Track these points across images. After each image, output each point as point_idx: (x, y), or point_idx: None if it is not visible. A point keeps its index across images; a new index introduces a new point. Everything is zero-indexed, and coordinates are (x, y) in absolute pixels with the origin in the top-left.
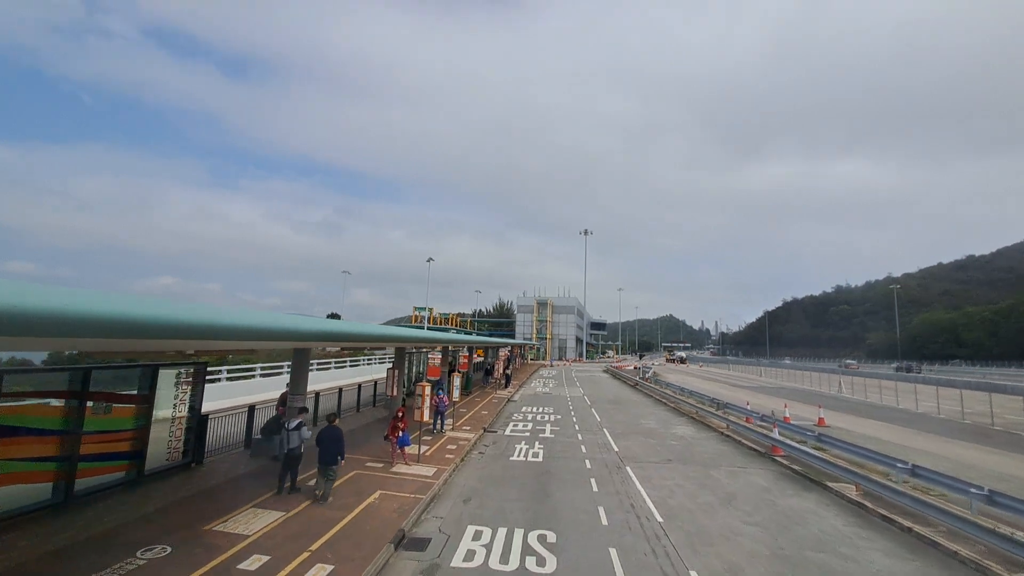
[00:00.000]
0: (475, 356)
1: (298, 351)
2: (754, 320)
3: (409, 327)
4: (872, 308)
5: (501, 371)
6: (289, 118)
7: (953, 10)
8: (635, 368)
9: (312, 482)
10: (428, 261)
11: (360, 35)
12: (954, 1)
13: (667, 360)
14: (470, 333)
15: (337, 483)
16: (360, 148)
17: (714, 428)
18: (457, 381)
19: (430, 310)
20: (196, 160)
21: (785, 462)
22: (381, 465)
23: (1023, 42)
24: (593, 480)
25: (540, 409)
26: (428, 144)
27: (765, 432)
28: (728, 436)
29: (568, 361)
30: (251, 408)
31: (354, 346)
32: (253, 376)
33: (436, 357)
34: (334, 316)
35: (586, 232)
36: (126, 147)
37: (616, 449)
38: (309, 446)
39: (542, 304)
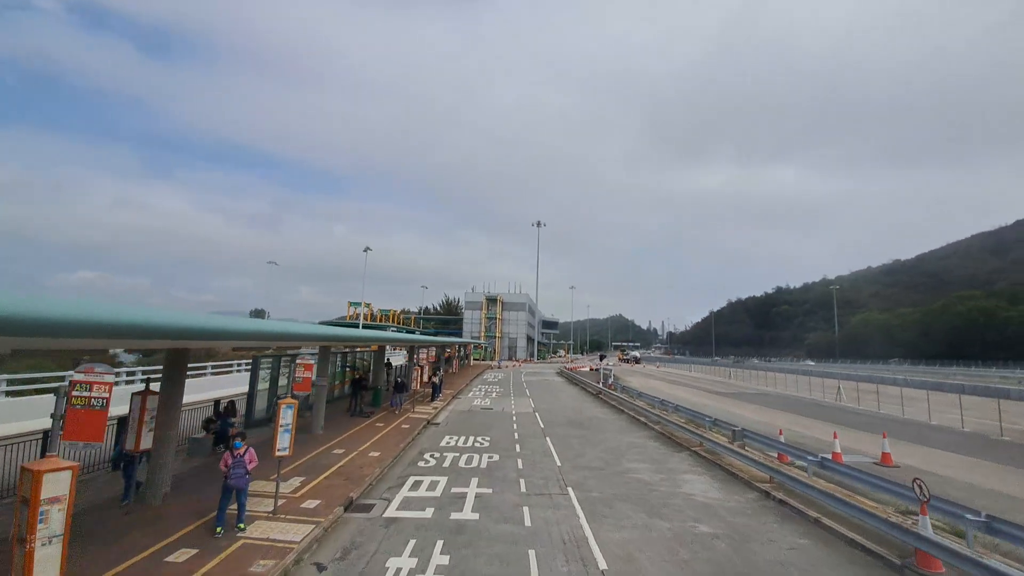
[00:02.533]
0: (392, 356)
1: None
2: (699, 320)
3: (342, 325)
4: (811, 308)
5: (427, 379)
6: (226, 106)
7: (877, 29)
8: (591, 370)
9: None
10: (365, 251)
11: (296, 16)
12: (877, 21)
13: (620, 360)
14: (413, 332)
15: None
16: (302, 139)
17: (744, 478)
18: (288, 416)
19: (367, 305)
20: (125, 147)
21: None
22: None
23: (942, 59)
24: None
25: (469, 442)
26: (373, 136)
27: (894, 519)
28: (784, 503)
29: (518, 362)
30: None
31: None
32: None
33: (93, 382)
34: (258, 313)
35: (539, 224)
36: (44, 131)
37: (602, 564)
38: None
39: (491, 300)
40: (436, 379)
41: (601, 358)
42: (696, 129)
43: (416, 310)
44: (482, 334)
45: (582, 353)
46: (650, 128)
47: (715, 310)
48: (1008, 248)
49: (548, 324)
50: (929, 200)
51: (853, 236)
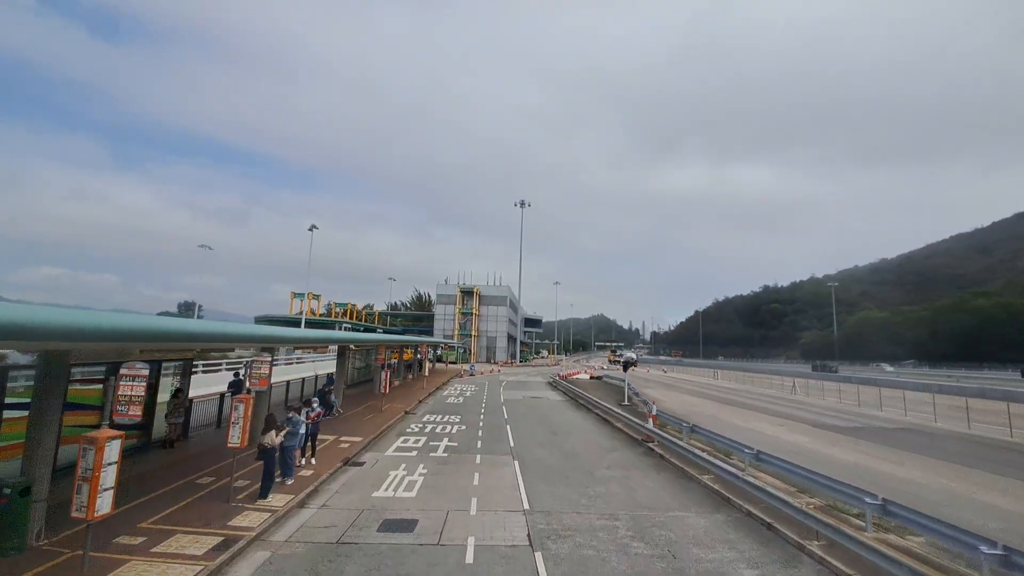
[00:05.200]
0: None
1: None
2: (684, 319)
3: (283, 321)
4: (801, 307)
5: (242, 442)
6: (198, 100)
7: (849, 31)
8: (592, 378)
9: None
10: (311, 229)
11: (271, 11)
12: (849, 26)
13: (611, 361)
14: (374, 330)
15: None
16: (276, 135)
17: None
18: None
19: (316, 297)
20: (92, 139)
21: None
22: None
23: (915, 61)
24: None
25: None
26: (351, 134)
27: None
28: None
29: (496, 365)
30: None
31: None
32: None
33: None
34: (188, 306)
35: (523, 203)
36: (6, 121)
37: None
38: None
39: (467, 293)
40: (279, 439)
41: (626, 367)
42: (677, 128)
43: (385, 306)
44: (455, 333)
45: (566, 354)
46: (631, 127)
47: (701, 309)
48: (992, 248)
49: (531, 322)
50: (905, 201)
51: (834, 236)
